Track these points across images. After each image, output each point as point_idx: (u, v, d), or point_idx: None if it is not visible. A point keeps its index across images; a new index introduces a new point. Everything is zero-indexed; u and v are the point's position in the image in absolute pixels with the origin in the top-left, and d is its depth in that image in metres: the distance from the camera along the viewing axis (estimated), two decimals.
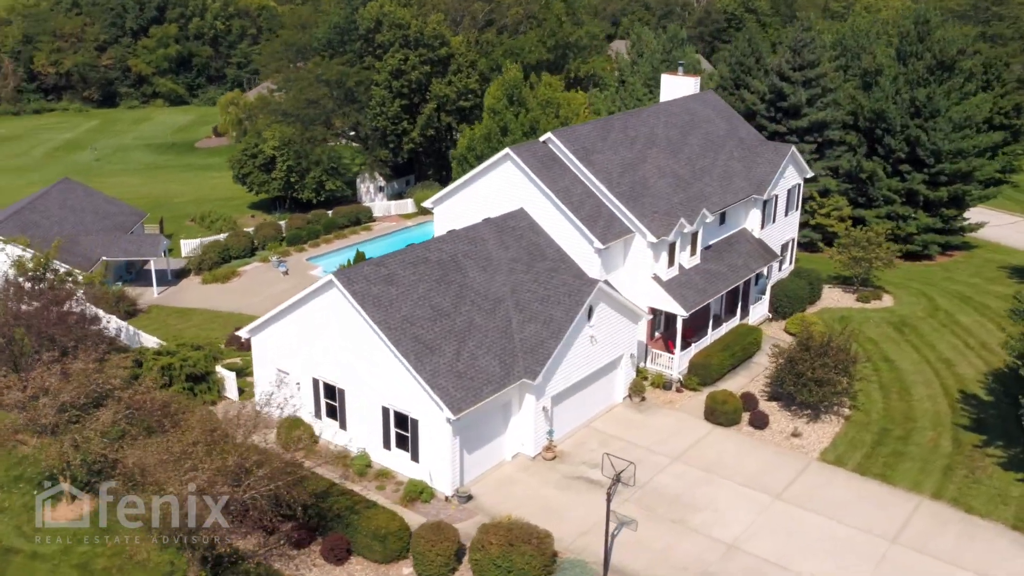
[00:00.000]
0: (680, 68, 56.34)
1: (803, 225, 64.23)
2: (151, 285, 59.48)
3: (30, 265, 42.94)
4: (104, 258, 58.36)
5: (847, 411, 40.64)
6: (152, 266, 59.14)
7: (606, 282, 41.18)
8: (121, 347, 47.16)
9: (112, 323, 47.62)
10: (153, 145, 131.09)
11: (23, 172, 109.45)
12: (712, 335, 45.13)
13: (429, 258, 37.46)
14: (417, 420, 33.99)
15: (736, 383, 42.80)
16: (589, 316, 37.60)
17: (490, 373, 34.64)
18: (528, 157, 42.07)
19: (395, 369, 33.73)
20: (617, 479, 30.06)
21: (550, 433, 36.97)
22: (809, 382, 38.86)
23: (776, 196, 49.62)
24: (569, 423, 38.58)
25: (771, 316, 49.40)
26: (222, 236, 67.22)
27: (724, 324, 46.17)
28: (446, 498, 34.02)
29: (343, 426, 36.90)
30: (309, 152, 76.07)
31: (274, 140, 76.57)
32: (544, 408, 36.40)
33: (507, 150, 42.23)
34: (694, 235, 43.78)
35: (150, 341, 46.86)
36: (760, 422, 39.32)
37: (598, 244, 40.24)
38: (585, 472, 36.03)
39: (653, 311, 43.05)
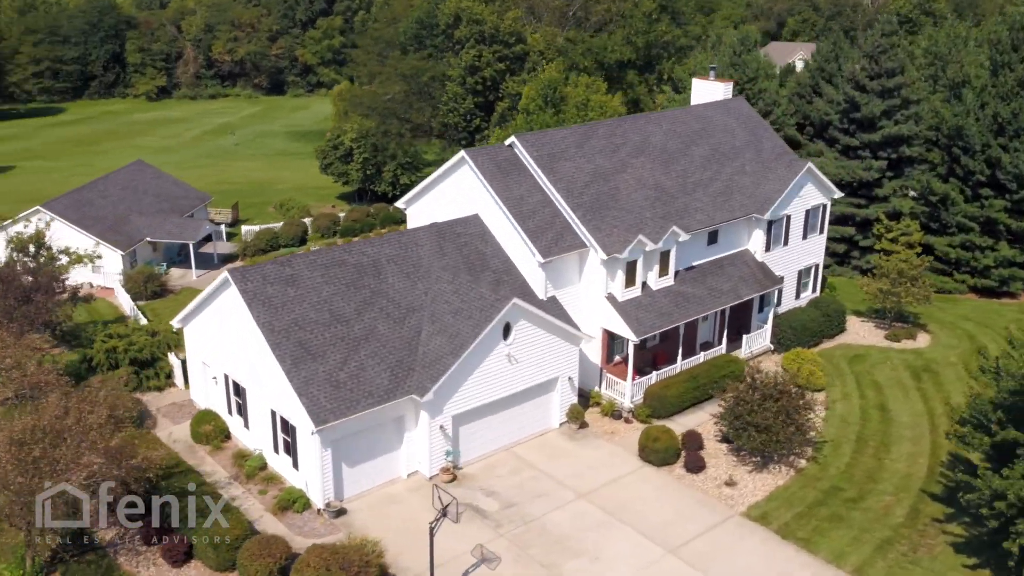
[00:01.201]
0: (712, 72, 52.22)
1: (867, 250, 58.49)
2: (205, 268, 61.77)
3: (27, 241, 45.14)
4: (148, 239, 60.88)
5: (803, 463, 36.23)
6: (191, 250, 61.09)
7: (552, 298, 38.86)
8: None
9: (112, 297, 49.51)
10: (293, 133, 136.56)
11: (163, 152, 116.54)
12: (685, 363, 41.50)
13: (347, 260, 36.31)
14: (295, 427, 33.00)
15: (694, 419, 39.13)
16: (506, 334, 35.27)
17: (375, 385, 33.12)
18: (485, 161, 40.05)
19: (276, 372, 32.84)
20: (443, 513, 27.92)
21: (449, 454, 34.98)
22: (748, 426, 34.89)
23: (787, 217, 45.00)
24: (485, 445, 36.45)
25: (773, 348, 44.93)
26: (278, 225, 68.66)
27: (702, 352, 42.43)
28: (318, 510, 32.85)
29: (246, 425, 36.46)
30: (385, 145, 76.63)
31: (352, 132, 77.71)
32: (442, 427, 34.46)
33: (462, 152, 40.41)
34: (664, 254, 40.27)
35: (150, 322, 48.38)
36: (695, 465, 35.65)
37: (539, 257, 37.72)
38: (478, 499, 33.87)
39: (611, 334, 40.09)
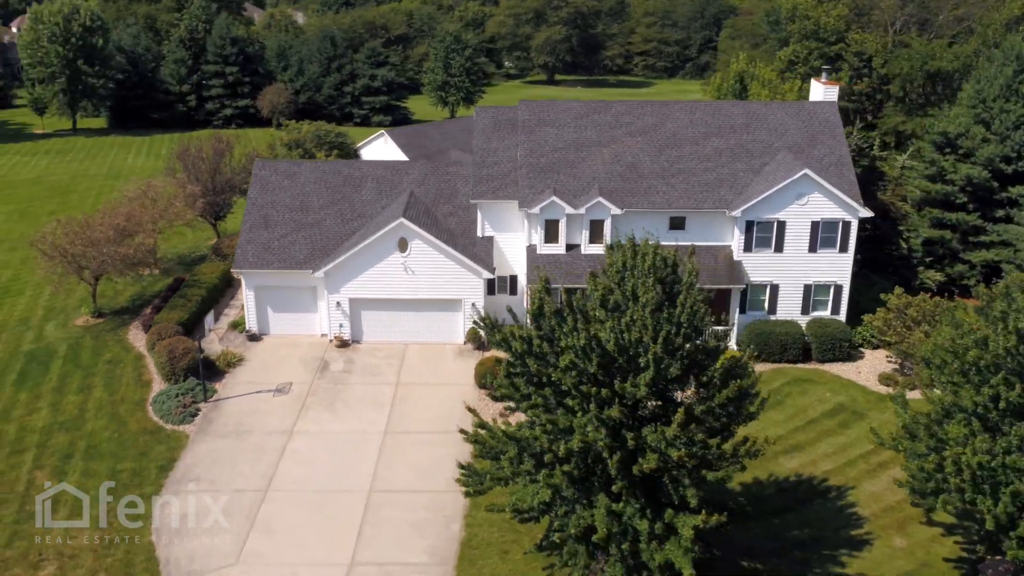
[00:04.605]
0: (824, 74, 49.42)
1: None
2: None
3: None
4: None
5: None
6: None
7: (489, 238, 45.84)
8: None
9: None
10: None
11: None
12: None
13: (341, 171, 48.24)
14: None
15: None
16: (404, 249, 43.96)
17: (291, 255, 45.05)
18: (485, 117, 47.83)
19: None
20: (199, 350, 39.60)
21: (342, 326, 45.25)
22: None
23: (780, 223, 43.29)
24: (387, 334, 45.66)
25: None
26: None
27: None
28: (246, 331, 46.26)
29: None
30: None
31: None
32: (339, 304, 44.88)
33: (476, 108, 48.53)
34: (597, 222, 43.62)
35: None
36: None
37: (471, 197, 44.94)
38: (336, 360, 43.96)
39: None
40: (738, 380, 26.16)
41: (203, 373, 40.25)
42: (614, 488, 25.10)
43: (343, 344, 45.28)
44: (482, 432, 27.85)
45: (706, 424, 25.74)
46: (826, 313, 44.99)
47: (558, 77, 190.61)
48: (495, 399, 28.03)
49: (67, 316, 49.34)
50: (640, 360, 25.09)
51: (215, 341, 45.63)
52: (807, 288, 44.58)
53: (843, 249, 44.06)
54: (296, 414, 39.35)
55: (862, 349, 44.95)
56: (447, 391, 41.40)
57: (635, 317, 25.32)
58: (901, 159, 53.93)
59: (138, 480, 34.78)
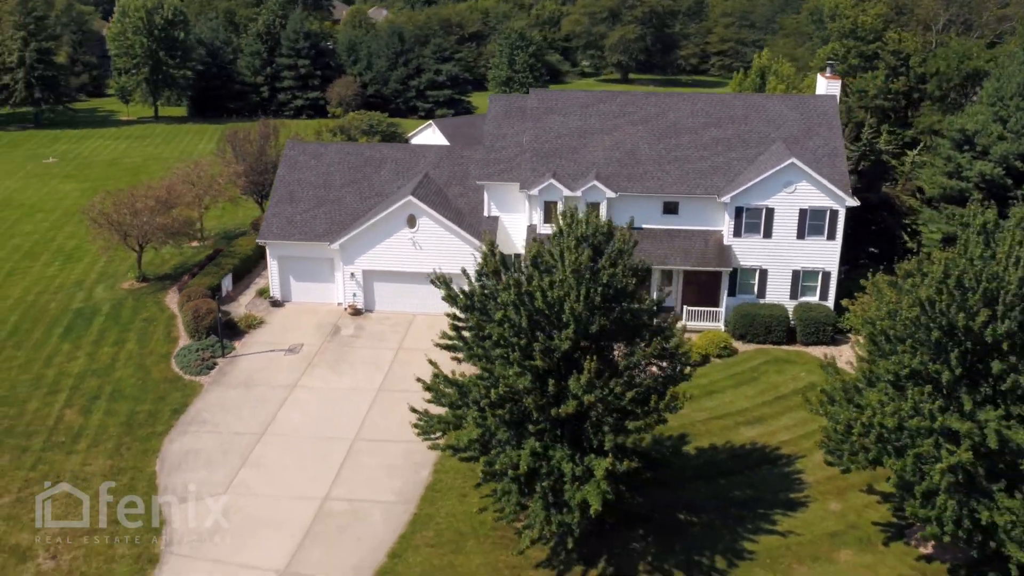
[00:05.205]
0: (829, 68, 50.77)
1: None
2: None
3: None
4: None
5: None
6: None
7: (495, 218, 48.79)
8: None
9: None
10: None
11: None
12: None
13: (363, 154, 51.78)
14: None
15: None
16: (412, 224, 47.25)
17: (311, 228, 48.76)
18: (498, 104, 50.77)
19: None
20: (220, 312, 43.50)
21: (355, 295, 48.76)
22: None
23: (768, 209, 45.05)
24: (396, 304, 49.05)
25: (722, 330, 46.23)
26: None
27: None
28: (270, 297, 50.22)
29: None
30: None
31: None
32: (352, 275, 48.42)
33: (491, 96, 51.47)
34: (594, 205, 46.08)
35: None
36: None
37: (478, 178, 47.93)
38: (347, 325, 47.53)
39: None
40: (658, 338, 28.62)
41: (221, 331, 44.24)
42: (532, 428, 27.80)
43: (356, 312, 48.80)
44: (436, 380, 30.91)
45: (624, 377, 28.20)
46: (814, 299, 46.55)
47: (632, 76, 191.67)
48: (439, 347, 30.93)
49: (116, 280, 54.12)
50: (563, 316, 27.70)
51: (241, 305, 49.67)
52: (795, 274, 46.23)
53: (830, 237, 45.57)
54: (302, 371, 42.97)
55: (850, 335, 46.33)
56: (445, 356, 44.35)
57: (561, 277, 27.96)
58: (912, 155, 54.77)
59: (152, 420, 38.82)
